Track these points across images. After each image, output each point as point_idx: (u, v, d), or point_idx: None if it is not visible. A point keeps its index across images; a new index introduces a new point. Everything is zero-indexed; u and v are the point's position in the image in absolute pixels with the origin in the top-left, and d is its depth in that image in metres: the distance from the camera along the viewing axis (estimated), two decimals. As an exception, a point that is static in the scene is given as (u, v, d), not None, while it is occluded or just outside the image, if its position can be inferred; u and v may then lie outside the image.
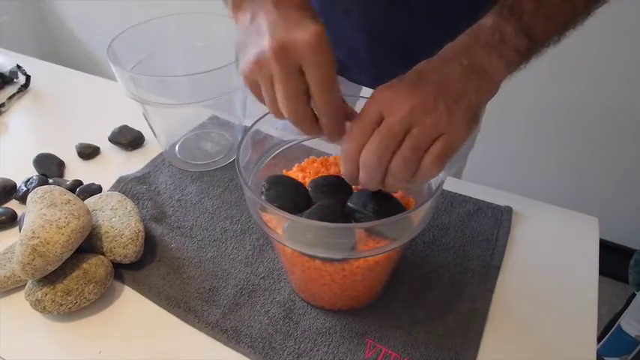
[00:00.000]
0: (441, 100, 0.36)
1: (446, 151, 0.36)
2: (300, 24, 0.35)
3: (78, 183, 0.62)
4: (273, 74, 0.36)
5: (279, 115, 0.38)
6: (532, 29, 0.40)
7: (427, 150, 0.36)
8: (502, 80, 0.40)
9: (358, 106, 0.50)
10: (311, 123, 0.38)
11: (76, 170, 0.66)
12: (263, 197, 0.42)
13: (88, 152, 0.68)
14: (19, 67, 0.86)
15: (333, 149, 0.56)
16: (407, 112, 0.35)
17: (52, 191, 0.51)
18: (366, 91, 0.76)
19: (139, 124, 0.70)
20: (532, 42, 0.41)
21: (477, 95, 0.38)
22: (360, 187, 0.41)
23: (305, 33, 0.35)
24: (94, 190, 0.61)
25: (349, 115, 0.40)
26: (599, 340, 1.15)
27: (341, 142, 0.39)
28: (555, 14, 0.42)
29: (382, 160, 0.36)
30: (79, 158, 0.68)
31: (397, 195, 0.45)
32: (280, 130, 0.50)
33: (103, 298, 0.50)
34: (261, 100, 0.39)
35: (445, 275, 0.51)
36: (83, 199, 0.58)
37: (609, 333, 1.11)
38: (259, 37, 0.37)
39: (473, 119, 0.37)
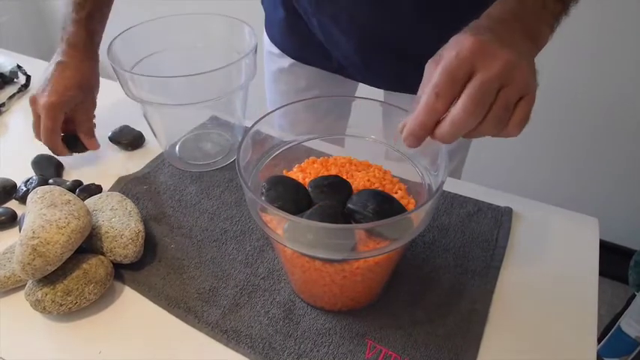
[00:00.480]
0: (524, 59, 0.36)
1: (529, 111, 0.37)
2: (46, 92, 0.61)
3: (78, 183, 0.62)
4: None
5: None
6: None
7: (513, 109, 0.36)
8: (543, 46, 0.41)
9: (354, 106, 0.50)
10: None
11: (76, 170, 0.66)
12: (263, 198, 0.42)
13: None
14: (19, 67, 0.86)
15: (333, 150, 0.57)
16: (502, 69, 0.35)
17: (52, 191, 0.51)
18: (363, 88, 0.77)
19: (139, 125, 0.70)
20: (564, 5, 0.42)
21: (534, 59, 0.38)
22: (427, 138, 0.39)
23: (45, 98, 0.61)
24: (94, 190, 0.61)
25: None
26: (599, 340, 1.15)
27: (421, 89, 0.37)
28: None
29: (477, 118, 0.36)
30: (78, 159, 0.68)
31: (397, 196, 0.45)
32: (281, 130, 0.50)
33: (103, 299, 0.50)
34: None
35: (445, 276, 0.51)
36: (83, 199, 0.58)
37: (609, 334, 1.11)
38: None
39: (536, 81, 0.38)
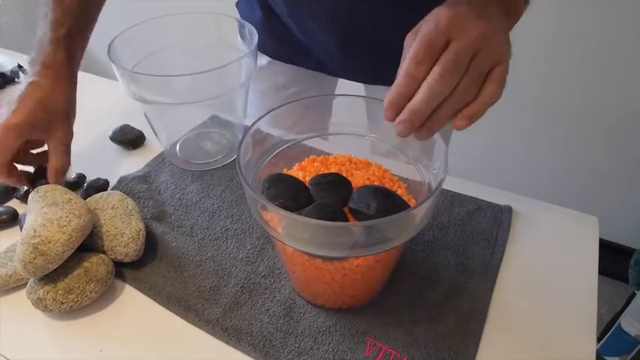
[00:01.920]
0: (500, 30, 0.38)
1: (505, 75, 0.38)
2: (11, 112, 0.53)
3: (82, 177, 0.63)
4: None
5: None
6: None
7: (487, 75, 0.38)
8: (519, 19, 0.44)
9: (335, 104, 0.50)
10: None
11: (76, 170, 0.66)
12: (263, 196, 0.43)
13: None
14: (20, 66, 0.86)
15: (334, 149, 0.57)
16: (476, 38, 0.37)
17: (54, 190, 0.52)
18: (343, 84, 0.77)
19: (140, 124, 0.70)
20: None
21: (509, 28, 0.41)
22: (405, 118, 0.39)
23: (7, 119, 0.53)
24: (101, 185, 0.61)
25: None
26: (599, 339, 1.15)
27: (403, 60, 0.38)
28: None
29: (451, 84, 0.37)
30: (79, 158, 0.68)
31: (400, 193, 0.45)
32: (281, 129, 0.50)
33: (104, 297, 0.50)
34: None
35: (445, 274, 0.51)
36: (90, 194, 0.58)
37: (609, 332, 1.11)
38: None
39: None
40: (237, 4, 0.79)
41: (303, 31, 0.67)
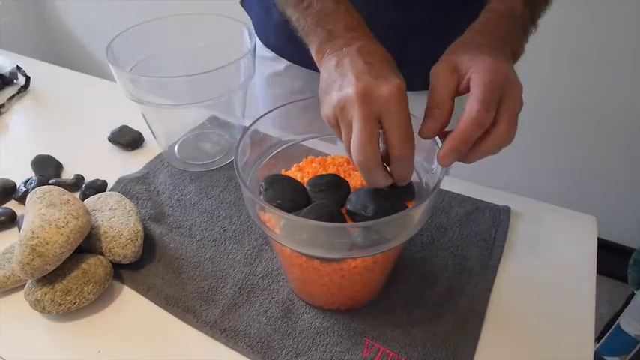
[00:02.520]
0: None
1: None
2: (383, 75, 0.38)
3: (81, 178, 0.63)
4: (353, 117, 0.38)
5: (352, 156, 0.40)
6: (534, 15, 0.47)
7: None
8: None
9: None
10: (378, 167, 0.39)
11: (75, 171, 0.66)
12: (261, 197, 0.43)
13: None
14: (18, 68, 0.86)
15: (331, 149, 0.57)
16: (520, 95, 0.39)
17: (52, 192, 0.52)
18: None
19: (138, 125, 0.70)
20: (534, 25, 0.48)
21: None
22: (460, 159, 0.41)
23: (389, 85, 0.37)
24: (100, 186, 0.61)
25: None
26: (599, 339, 1.15)
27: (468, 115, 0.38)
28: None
29: (511, 138, 0.39)
30: (77, 159, 0.68)
31: None
32: (279, 130, 0.50)
33: (102, 298, 0.50)
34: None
35: (443, 275, 0.51)
36: (89, 195, 0.58)
37: (608, 332, 1.11)
38: (344, 83, 0.39)
39: None
40: (242, 3, 0.78)
41: None
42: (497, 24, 0.45)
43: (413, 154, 0.39)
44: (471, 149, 0.39)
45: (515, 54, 0.45)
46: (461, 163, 0.42)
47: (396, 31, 0.63)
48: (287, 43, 0.73)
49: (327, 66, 0.43)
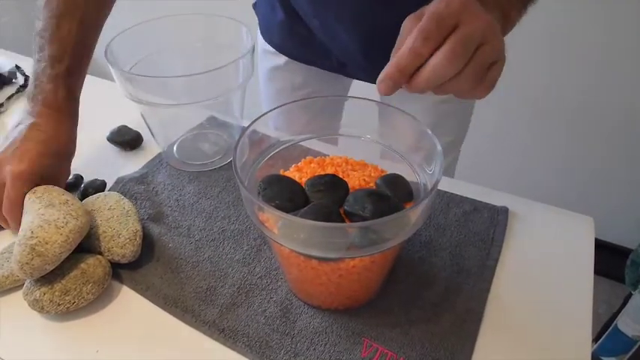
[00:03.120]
0: (499, 30, 0.39)
1: (498, 77, 0.39)
2: (15, 157, 0.51)
3: (79, 177, 0.63)
4: None
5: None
6: None
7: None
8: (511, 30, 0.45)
9: (347, 106, 0.51)
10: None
11: (74, 171, 0.66)
12: (260, 197, 0.43)
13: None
14: (17, 67, 0.86)
15: (330, 150, 0.57)
16: (484, 27, 0.37)
17: (51, 191, 0.52)
18: (356, 85, 0.77)
19: (137, 125, 0.70)
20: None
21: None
22: (406, 86, 0.39)
23: (7, 168, 0.51)
24: (99, 185, 0.61)
25: None
26: (597, 340, 1.16)
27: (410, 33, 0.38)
28: None
29: (455, 68, 0.37)
30: (76, 159, 0.68)
31: None
32: (278, 130, 0.50)
33: (100, 298, 0.50)
34: None
35: (441, 275, 0.52)
36: (88, 195, 0.58)
37: (606, 333, 1.12)
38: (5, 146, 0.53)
39: None
40: (254, 5, 0.78)
41: (326, 32, 0.67)
42: None
43: (16, 217, 0.52)
44: (412, 77, 0.38)
45: (507, 16, 0.44)
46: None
47: (389, 28, 0.63)
48: (288, 41, 0.74)
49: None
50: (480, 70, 0.37)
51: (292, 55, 0.76)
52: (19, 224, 0.50)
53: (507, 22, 0.44)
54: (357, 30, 0.64)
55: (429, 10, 0.38)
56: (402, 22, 0.62)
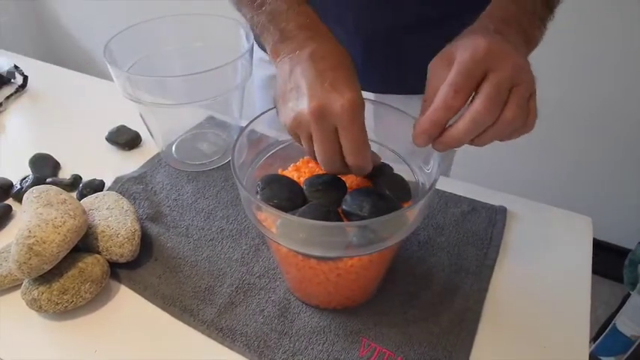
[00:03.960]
0: (526, 60, 0.39)
1: (535, 107, 0.39)
2: (337, 88, 0.38)
3: (78, 178, 0.63)
4: (311, 133, 0.39)
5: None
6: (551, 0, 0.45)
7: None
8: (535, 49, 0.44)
9: None
10: (345, 168, 0.41)
11: (73, 171, 0.66)
12: (258, 196, 0.43)
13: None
14: (16, 67, 0.86)
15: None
16: (513, 69, 0.37)
17: (48, 191, 0.52)
18: None
19: (136, 125, 0.70)
20: (550, 10, 0.45)
21: None
22: (443, 141, 0.39)
23: (342, 100, 0.37)
24: (97, 185, 0.61)
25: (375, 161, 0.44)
26: (595, 339, 1.16)
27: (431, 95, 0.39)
28: None
29: (493, 116, 0.37)
30: (75, 158, 0.68)
31: None
32: (276, 130, 0.50)
33: (98, 297, 0.50)
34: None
35: (439, 274, 0.52)
36: (86, 195, 0.58)
37: (604, 333, 1.12)
38: (298, 95, 0.39)
39: None
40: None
41: None
42: (504, 7, 0.44)
43: (367, 161, 0.40)
44: (446, 130, 0.38)
45: (530, 37, 0.43)
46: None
47: (390, 31, 0.63)
48: None
49: (282, 71, 0.42)
50: (519, 110, 0.37)
51: None
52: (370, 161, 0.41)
53: (531, 43, 0.44)
54: (358, 36, 0.64)
55: (457, 61, 0.38)
56: (402, 27, 0.62)
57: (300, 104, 0.39)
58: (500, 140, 0.40)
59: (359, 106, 0.38)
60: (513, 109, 0.37)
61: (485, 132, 0.38)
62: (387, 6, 0.60)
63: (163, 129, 0.67)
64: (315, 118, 0.38)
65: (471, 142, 0.39)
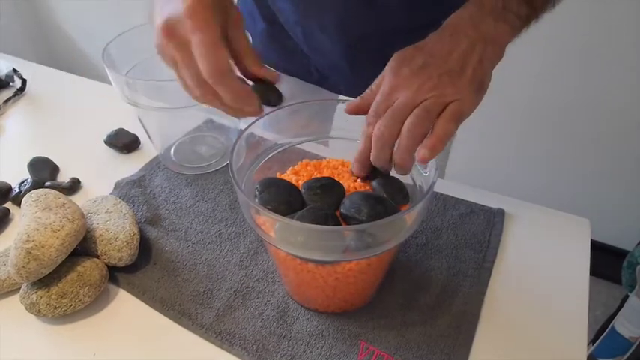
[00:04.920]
0: (445, 75, 0.40)
1: (458, 112, 0.40)
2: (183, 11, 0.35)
3: (76, 182, 0.63)
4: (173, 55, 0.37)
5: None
6: (508, 5, 0.44)
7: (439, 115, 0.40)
8: (507, 44, 0.44)
9: (340, 108, 0.51)
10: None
11: (71, 174, 0.66)
12: (256, 200, 0.43)
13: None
14: (15, 70, 0.86)
15: (326, 153, 0.57)
16: (415, 91, 0.40)
17: (47, 195, 0.52)
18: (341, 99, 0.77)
19: (134, 128, 0.70)
20: (531, 9, 0.45)
21: (481, 65, 0.41)
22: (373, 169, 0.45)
23: (182, 5, 0.35)
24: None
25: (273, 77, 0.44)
26: (594, 341, 1.16)
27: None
28: None
29: (392, 130, 0.40)
30: (74, 162, 0.68)
31: None
32: (275, 133, 0.50)
33: (97, 301, 0.50)
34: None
35: (438, 277, 0.52)
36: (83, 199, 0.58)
37: (603, 334, 1.12)
38: (156, 16, 0.38)
39: (480, 88, 0.41)
40: None
41: (309, 43, 0.67)
42: (462, 12, 0.45)
43: (229, 89, 0.37)
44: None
45: (491, 38, 0.43)
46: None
47: (377, 36, 0.63)
48: (272, 52, 0.73)
49: None
50: (424, 117, 0.39)
51: (275, 66, 0.75)
52: (247, 97, 0.38)
53: (493, 42, 0.43)
54: (342, 40, 0.64)
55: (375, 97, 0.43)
56: (387, 31, 0.62)
57: (156, 24, 0.37)
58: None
59: (202, 6, 0.34)
60: (411, 120, 0.40)
61: (399, 143, 0.41)
62: (372, 11, 0.60)
63: (162, 132, 0.67)
64: (165, 35, 0.36)
65: (395, 154, 0.42)
